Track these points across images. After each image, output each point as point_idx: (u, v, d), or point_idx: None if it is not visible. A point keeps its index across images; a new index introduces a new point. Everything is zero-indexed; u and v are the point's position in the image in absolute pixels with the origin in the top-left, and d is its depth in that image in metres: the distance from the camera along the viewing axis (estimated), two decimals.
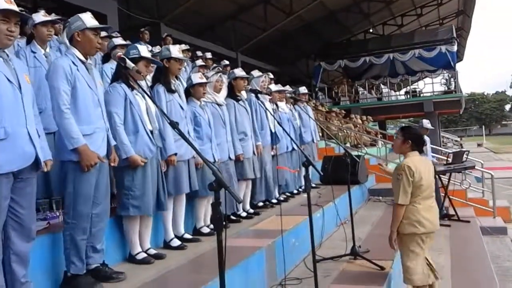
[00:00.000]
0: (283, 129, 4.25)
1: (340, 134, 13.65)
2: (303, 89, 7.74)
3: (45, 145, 2.71)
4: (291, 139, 4.39)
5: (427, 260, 3.92)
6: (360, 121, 16.63)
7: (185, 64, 7.04)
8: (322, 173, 3.80)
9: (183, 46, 8.30)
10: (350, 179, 7.19)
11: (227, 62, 9.25)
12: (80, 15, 3.11)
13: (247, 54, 19.31)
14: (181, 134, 2.13)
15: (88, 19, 3.11)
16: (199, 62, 6.62)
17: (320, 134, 13.41)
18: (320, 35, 21.35)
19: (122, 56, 2.93)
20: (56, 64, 3.00)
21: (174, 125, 2.16)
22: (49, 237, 3.18)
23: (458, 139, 41.66)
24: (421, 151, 3.97)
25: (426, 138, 8.35)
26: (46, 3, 9.88)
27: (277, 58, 21.25)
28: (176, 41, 10.28)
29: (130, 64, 2.91)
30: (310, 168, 3.54)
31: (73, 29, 3.09)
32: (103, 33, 6.01)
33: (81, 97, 3.01)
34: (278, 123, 4.10)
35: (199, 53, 8.92)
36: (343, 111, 17.82)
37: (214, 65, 8.31)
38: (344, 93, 21.64)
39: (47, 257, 3.12)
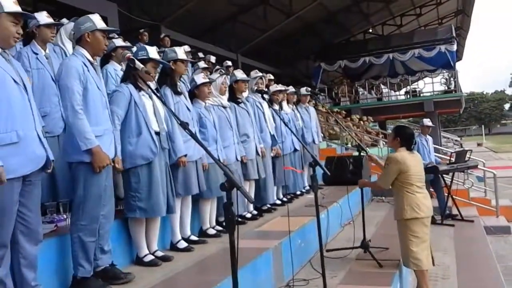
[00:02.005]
0: (290, 129, 4.23)
1: (343, 134, 13.68)
2: (304, 90, 7.72)
3: (47, 145, 2.70)
4: (298, 139, 4.37)
5: (430, 246, 4.34)
6: (357, 121, 16.68)
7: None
8: (329, 173, 3.80)
9: (186, 48, 8.30)
10: (353, 179, 7.20)
11: (229, 63, 9.23)
12: (90, 16, 3.11)
13: (247, 55, 19.29)
14: (192, 135, 2.12)
15: (98, 21, 3.12)
16: (202, 64, 6.60)
17: (322, 135, 13.46)
18: (319, 36, 21.35)
19: (132, 57, 2.92)
20: (68, 64, 2.98)
21: (185, 126, 2.15)
22: (57, 240, 3.17)
23: (458, 138, 41.60)
24: (409, 148, 4.42)
25: (429, 138, 8.38)
26: (46, 6, 9.85)
27: (277, 59, 21.23)
28: (176, 43, 10.27)
29: (139, 65, 2.91)
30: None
31: (83, 29, 3.08)
32: None
33: (91, 98, 3.01)
34: (285, 123, 4.07)
35: (200, 55, 8.91)
36: (343, 112, 17.84)
37: (217, 67, 8.28)
38: (344, 93, 21.66)
39: (55, 260, 3.12)
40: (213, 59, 8.71)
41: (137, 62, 2.91)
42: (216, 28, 16.39)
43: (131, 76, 3.51)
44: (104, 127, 3.09)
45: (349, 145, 13.59)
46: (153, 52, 3.54)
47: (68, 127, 2.98)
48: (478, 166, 8.93)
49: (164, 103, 2.59)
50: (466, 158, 7.90)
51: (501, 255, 6.76)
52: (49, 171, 2.61)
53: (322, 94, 21.26)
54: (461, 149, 10.77)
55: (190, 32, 15.25)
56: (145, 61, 3.51)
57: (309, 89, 7.86)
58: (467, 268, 5.30)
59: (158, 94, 2.96)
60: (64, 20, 4.44)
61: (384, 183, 4.45)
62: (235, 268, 2.05)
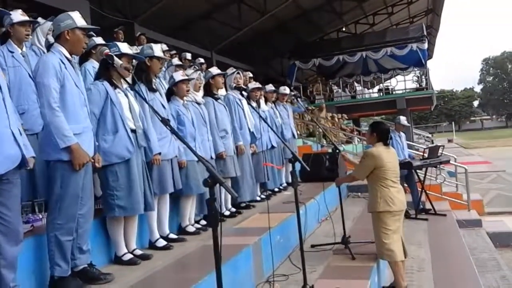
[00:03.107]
0: (269, 126, 4.25)
1: (317, 132, 13.79)
2: (283, 89, 7.77)
3: (27, 142, 2.64)
4: (278, 136, 4.38)
5: (402, 238, 4.45)
6: (329, 118, 16.85)
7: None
8: (308, 169, 3.83)
9: (164, 47, 8.23)
10: (329, 175, 7.26)
11: (202, 61, 9.18)
12: (70, 13, 3.06)
13: (222, 53, 19.25)
14: (173, 131, 2.12)
15: (78, 18, 3.08)
16: (176, 61, 6.54)
17: (298, 133, 13.54)
18: (294, 34, 21.45)
19: (110, 53, 2.89)
20: (45, 61, 2.93)
21: (166, 122, 2.14)
22: (34, 240, 3.11)
23: (430, 135, 42.45)
24: (386, 143, 4.53)
25: (402, 134, 8.51)
26: (17, 4, 9.62)
27: (252, 57, 21.22)
28: (150, 41, 10.13)
29: (117, 61, 2.89)
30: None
31: (62, 27, 3.03)
32: None
33: (69, 95, 2.96)
34: (264, 119, 4.08)
35: (173, 52, 8.82)
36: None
37: (190, 64, 8.21)
38: (318, 91, 21.79)
39: (32, 260, 3.06)
40: (188, 56, 8.64)
41: (115, 58, 2.89)
42: (191, 25, 16.29)
43: (105, 73, 3.47)
44: (83, 125, 3.04)
45: (325, 143, 13.71)
46: (124, 47, 3.50)
47: (46, 125, 2.92)
48: (450, 162, 9.15)
49: (145, 99, 2.57)
50: (439, 154, 8.07)
51: (473, 248, 6.94)
52: (29, 168, 2.57)
53: (297, 93, 21.33)
54: (434, 145, 10.99)
55: (164, 29, 15.11)
56: (118, 57, 3.45)
57: (287, 88, 7.92)
58: (442, 260, 5.42)
59: (138, 91, 2.89)
60: (40, 20, 4.34)
61: (359, 174, 4.63)
62: (218, 264, 2.06)
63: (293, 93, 7.39)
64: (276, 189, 6.88)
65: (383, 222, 4.33)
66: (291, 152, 3.47)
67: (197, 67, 7.46)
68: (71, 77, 2.98)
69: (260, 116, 4.48)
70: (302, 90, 22.11)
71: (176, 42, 15.41)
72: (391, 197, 4.32)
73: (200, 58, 9.89)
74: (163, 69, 6.61)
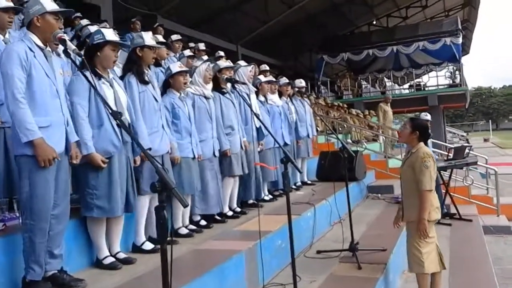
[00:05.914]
0: (261, 122, 3.94)
1: (340, 128, 13.35)
2: (298, 82, 7.42)
3: None
4: (272, 135, 4.05)
5: (438, 247, 4.04)
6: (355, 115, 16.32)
7: (173, 55, 6.77)
8: (300, 171, 3.52)
9: (175, 36, 8.00)
10: (348, 175, 6.90)
11: (222, 53, 8.90)
12: None
13: (248, 47, 18.93)
14: (123, 126, 1.85)
15: (48, 3, 2.84)
16: (187, 52, 6.30)
17: (320, 129, 13.13)
18: (323, 28, 20.93)
19: (63, 37, 2.65)
20: (10, 50, 2.73)
21: (116, 115, 1.87)
22: (5, 239, 2.93)
23: (465, 134, 41.15)
24: (426, 143, 4.08)
25: None
26: None
27: (279, 51, 20.85)
28: (171, 32, 9.96)
29: (70, 46, 2.64)
30: (304, 165, 3.27)
31: (31, 13, 2.82)
32: (85, 22, 5.75)
33: (37, 86, 2.74)
34: (257, 117, 3.78)
35: (191, 44, 8.61)
36: (345, 105, 17.46)
37: (205, 57, 7.95)
38: (347, 87, 21.21)
39: (3, 262, 2.86)
40: (201, 46, 8.37)
41: (68, 43, 2.64)
42: (216, 18, 16.05)
43: (89, 63, 3.22)
44: (53, 117, 2.81)
45: (349, 140, 13.27)
46: (110, 34, 3.26)
47: (11, 117, 2.71)
48: (480, 163, 8.60)
49: (97, 91, 2.30)
50: (464, 155, 7.56)
51: (499, 257, 6.43)
52: None
53: (324, 87, 20.88)
54: (460, 145, 10.43)
55: (188, 22, 14.93)
56: (102, 44, 3.24)
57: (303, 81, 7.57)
58: (460, 270, 5.00)
59: (91, 83, 2.58)
60: None
61: (433, 185, 3.84)
62: (166, 285, 1.76)
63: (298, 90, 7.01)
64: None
65: (429, 231, 3.85)
66: (284, 152, 3.14)
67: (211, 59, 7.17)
68: (40, 66, 2.76)
69: (255, 114, 4.16)
70: (330, 85, 21.61)
71: (201, 35, 15.20)
72: (438, 205, 3.93)
73: (220, 52, 9.63)
74: (174, 60, 6.40)
